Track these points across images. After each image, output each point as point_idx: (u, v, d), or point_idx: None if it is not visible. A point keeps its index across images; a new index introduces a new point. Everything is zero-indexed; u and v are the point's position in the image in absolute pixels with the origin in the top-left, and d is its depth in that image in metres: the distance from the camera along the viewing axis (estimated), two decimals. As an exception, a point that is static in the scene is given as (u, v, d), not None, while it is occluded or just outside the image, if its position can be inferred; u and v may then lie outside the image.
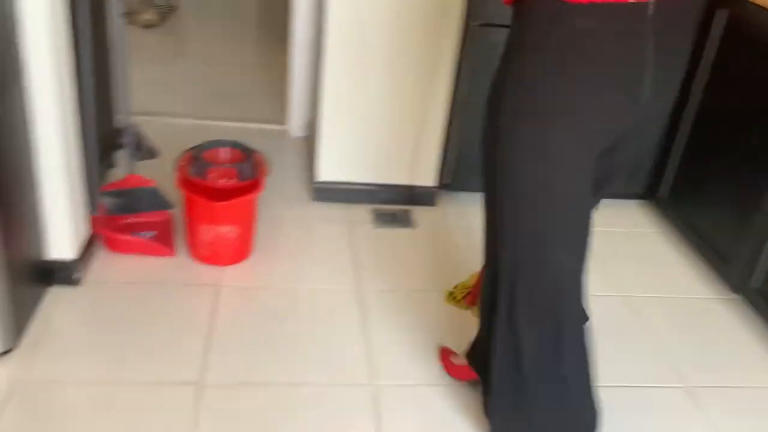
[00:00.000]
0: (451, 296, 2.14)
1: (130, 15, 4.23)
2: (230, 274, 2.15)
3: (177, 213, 2.26)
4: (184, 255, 2.20)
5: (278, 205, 2.51)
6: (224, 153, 2.21)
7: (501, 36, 1.41)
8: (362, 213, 2.57)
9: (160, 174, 2.28)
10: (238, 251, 2.20)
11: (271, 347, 1.86)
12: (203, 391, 1.69)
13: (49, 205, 1.87)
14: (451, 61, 2.42)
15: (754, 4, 2.20)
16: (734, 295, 2.29)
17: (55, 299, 1.93)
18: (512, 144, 1.34)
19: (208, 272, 2.14)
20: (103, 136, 2.26)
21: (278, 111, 3.23)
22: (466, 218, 2.61)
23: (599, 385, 1.58)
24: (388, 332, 1.97)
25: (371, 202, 2.63)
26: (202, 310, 1.97)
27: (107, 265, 2.11)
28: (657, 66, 1.27)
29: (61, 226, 1.91)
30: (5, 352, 1.71)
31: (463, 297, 2.12)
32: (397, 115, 2.50)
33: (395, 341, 1.94)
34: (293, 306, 2.04)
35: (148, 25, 4.27)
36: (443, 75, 2.44)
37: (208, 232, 2.14)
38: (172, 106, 3.22)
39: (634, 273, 2.41)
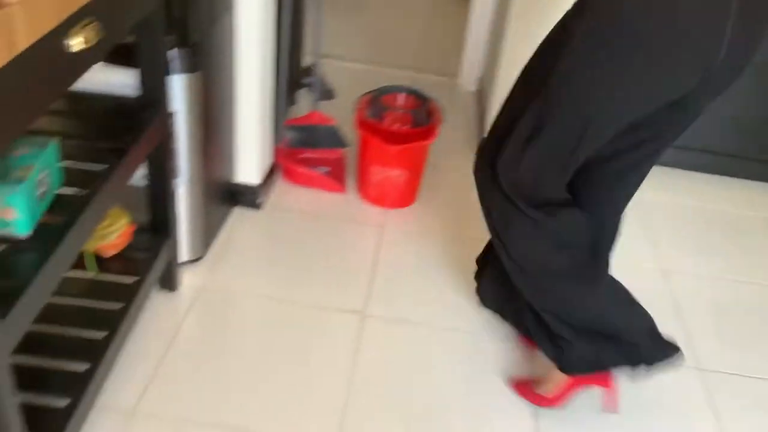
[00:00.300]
0: None
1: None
2: (394, 216, 2.22)
3: (351, 152, 2.35)
4: (353, 193, 2.30)
5: (445, 155, 2.53)
6: (401, 98, 2.26)
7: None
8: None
9: (337, 114, 2.38)
10: (404, 196, 2.26)
11: (428, 291, 1.92)
12: (365, 321, 1.78)
13: (242, 132, 2.02)
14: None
15: None
16: None
17: (239, 219, 2.10)
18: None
19: (374, 212, 2.22)
20: (291, 74, 2.39)
21: (452, 65, 3.23)
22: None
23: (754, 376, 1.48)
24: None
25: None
26: (367, 247, 2.06)
27: (284, 193, 2.25)
28: (737, 28, 1.15)
29: (250, 154, 2.06)
30: (195, 260, 1.90)
31: None
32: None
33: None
34: (452, 254, 2.07)
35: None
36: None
37: (378, 174, 2.21)
38: (350, 51, 3.32)
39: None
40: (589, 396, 1.61)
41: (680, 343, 1.56)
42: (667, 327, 1.57)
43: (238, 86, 1.94)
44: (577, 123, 1.30)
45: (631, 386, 1.64)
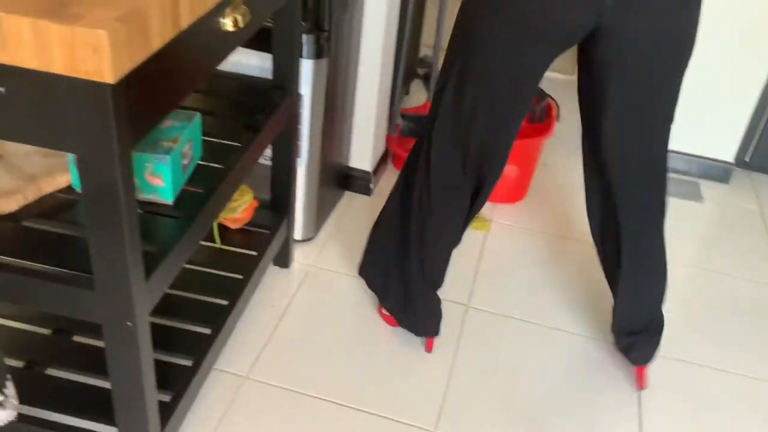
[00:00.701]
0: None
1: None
2: (503, 211, 2.20)
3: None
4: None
5: (558, 154, 2.49)
6: (517, 94, 2.24)
7: None
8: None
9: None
10: (514, 191, 2.24)
11: (531, 288, 1.90)
12: (468, 312, 1.79)
13: (360, 119, 2.06)
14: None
15: None
16: None
17: (349, 203, 2.15)
18: None
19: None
20: (408, 65, 2.42)
21: (570, 61, 3.16)
22: (760, 202, 2.37)
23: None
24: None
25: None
26: (474, 240, 2.06)
27: (393, 181, 2.28)
28: None
29: (365, 140, 2.10)
30: (307, 239, 1.97)
31: None
32: (707, 83, 2.31)
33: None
34: (558, 253, 2.04)
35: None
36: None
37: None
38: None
39: None
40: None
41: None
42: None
43: (360, 73, 1.99)
44: None
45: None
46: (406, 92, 2.67)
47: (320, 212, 2.00)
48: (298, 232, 1.93)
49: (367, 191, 2.18)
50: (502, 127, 1.41)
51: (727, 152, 2.43)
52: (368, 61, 1.96)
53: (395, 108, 2.29)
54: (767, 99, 2.32)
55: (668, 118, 1.36)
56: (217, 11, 1.08)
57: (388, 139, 2.31)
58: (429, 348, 1.66)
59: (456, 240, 1.61)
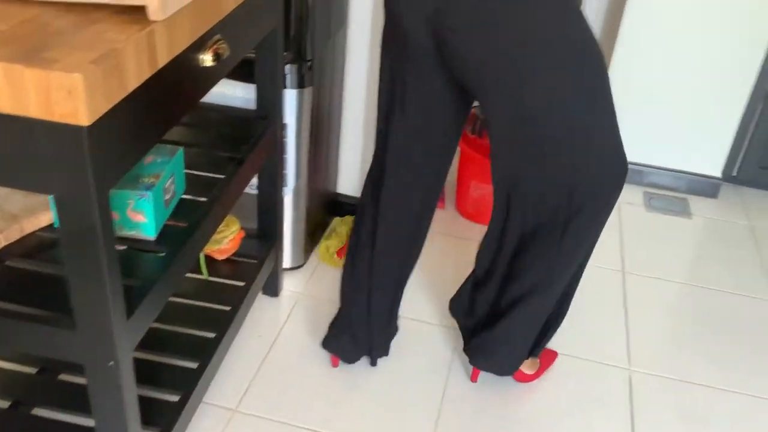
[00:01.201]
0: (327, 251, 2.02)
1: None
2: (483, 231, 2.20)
3: (451, 167, 2.36)
4: (451, 208, 2.30)
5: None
6: (503, 116, 2.25)
7: None
8: (634, 193, 2.46)
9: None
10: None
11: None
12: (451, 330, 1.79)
13: (346, 145, 2.07)
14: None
15: None
16: None
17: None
18: None
19: (471, 228, 2.22)
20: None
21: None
22: (749, 216, 2.38)
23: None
24: (649, 317, 1.89)
25: (643, 184, 2.50)
26: (466, 262, 2.05)
27: (382, 206, 2.29)
28: None
29: (352, 166, 2.11)
30: (296, 267, 1.96)
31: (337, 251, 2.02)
32: (692, 98, 2.33)
33: (653, 326, 1.86)
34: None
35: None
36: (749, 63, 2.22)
37: (476, 190, 2.21)
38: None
39: None
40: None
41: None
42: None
43: (345, 100, 2.00)
44: None
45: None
46: (394, 116, 2.67)
47: (309, 239, 1.99)
48: (286, 260, 1.93)
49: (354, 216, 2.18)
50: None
51: (715, 167, 2.44)
52: (353, 88, 1.97)
53: (382, 133, 2.29)
54: (752, 112, 2.34)
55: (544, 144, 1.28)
56: (196, 48, 1.08)
57: (376, 164, 2.31)
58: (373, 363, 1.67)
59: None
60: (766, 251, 2.23)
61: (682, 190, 2.49)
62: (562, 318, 1.57)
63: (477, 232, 2.18)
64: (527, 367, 1.65)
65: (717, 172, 2.45)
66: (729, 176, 2.47)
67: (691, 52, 2.26)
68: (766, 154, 2.41)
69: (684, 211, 2.39)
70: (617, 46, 2.30)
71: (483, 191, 2.19)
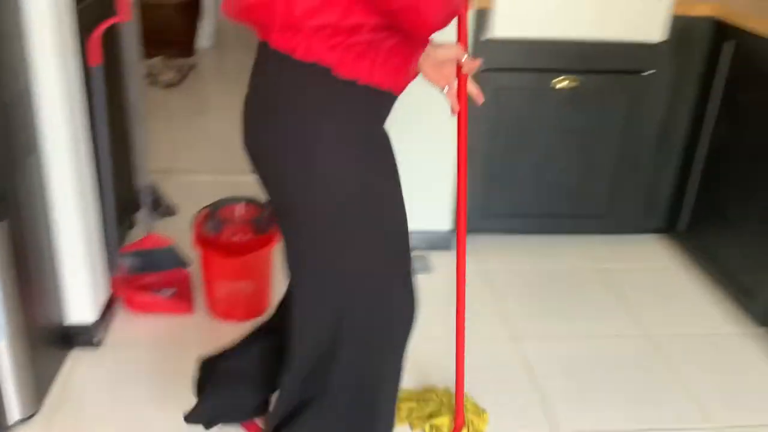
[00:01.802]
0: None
1: (151, 76, 4.38)
2: (248, 329, 2.16)
3: (195, 269, 2.29)
4: (203, 312, 2.23)
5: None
6: (240, 209, 2.25)
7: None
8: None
9: (180, 231, 2.33)
10: (254, 306, 2.22)
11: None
12: (220, 450, 1.70)
13: (68, 271, 1.92)
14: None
15: (760, 37, 2.19)
16: (761, 329, 2.23)
17: (77, 362, 1.97)
18: None
19: (225, 329, 2.15)
20: (123, 197, 2.33)
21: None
22: (479, 260, 2.61)
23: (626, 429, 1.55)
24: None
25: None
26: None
27: (127, 325, 2.14)
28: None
29: (80, 291, 1.95)
30: (28, 418, 1.74)
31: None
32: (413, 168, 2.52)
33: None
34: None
35: (169, 85, 4.41)
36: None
37: (224, 288, 2.17)
38: (191, 162, 3.30)
39: (656, 309, 2.36)
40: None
41: (536, 407, 1.60)
42: (522, 392, 1.60)
43: (55, 226, 1.86)
44: None
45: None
46: (130, 226, 2.56)
47: (39, 381, 1.79)
48: (15, 412, 1.71)
49: (95, 344, 2.01)
50: None
51: (444, 221, 2.65)
52: (62, 212, 1.84)
53: (113, 249, 2.17)
54: (454, 172, 2.58)
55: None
56: None
57: (114, 282, 2.17)
58: None
59: None
60: (499, 291, 2.45)
61: (423, 247, 2.66)
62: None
63: (233, 332, 2.12)
64: None
65: (447, 225, 2.66)
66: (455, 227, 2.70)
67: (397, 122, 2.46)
68: (485, 203, 2.68)
69: (426, 268, 2.56)
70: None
71: (230, 288, 2.16)
